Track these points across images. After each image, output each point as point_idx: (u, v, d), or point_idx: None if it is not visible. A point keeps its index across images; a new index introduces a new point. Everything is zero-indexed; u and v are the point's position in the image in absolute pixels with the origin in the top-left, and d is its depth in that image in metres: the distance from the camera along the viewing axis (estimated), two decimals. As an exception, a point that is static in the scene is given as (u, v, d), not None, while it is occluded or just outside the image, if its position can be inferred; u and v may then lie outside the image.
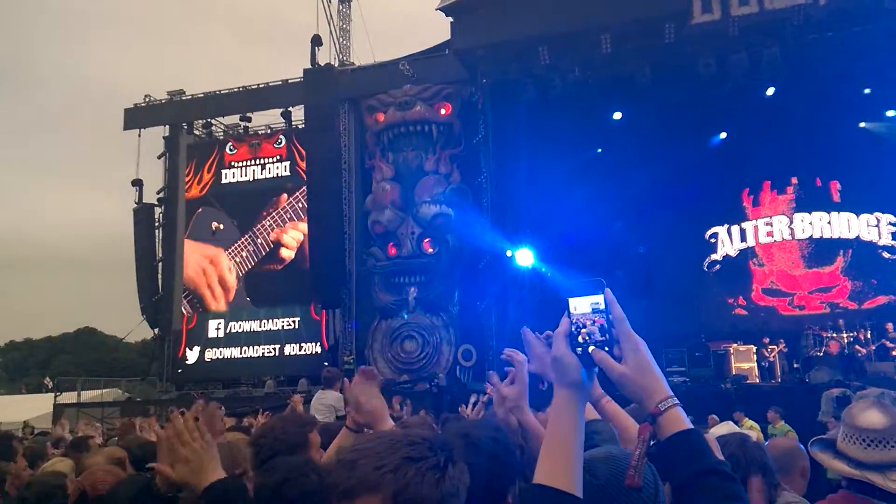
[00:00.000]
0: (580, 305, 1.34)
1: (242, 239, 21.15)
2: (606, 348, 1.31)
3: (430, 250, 17.75)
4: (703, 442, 1.26)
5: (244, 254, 21.07)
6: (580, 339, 1.32)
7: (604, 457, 1.35)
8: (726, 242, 19.82)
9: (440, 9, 17.19)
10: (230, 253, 21.17)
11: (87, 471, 3.16)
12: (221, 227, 21.33)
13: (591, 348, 1.31)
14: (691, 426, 1.27)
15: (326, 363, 17.22)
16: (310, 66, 19.57)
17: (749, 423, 10.39)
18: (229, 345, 20.67)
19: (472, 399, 5.95)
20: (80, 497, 2.80)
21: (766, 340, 16.54)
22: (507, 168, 18.56)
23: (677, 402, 1.28)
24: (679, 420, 1.26)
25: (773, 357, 16.24)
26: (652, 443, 1.27)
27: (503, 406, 2.09)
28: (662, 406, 1.26)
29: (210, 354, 20.85)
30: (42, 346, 50.07)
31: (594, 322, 1.32)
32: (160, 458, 1.88)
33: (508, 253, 18.47)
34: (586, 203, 19.17)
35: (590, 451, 1.56)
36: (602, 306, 1.33)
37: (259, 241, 21.03)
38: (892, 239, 18.64)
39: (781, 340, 16.61)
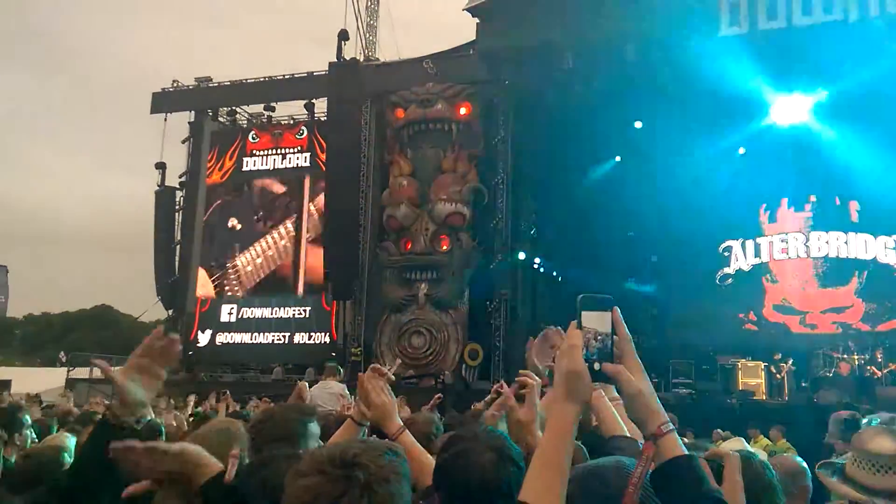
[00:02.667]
0: (589, 320, 1.32)
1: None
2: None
3: (444, 248, 17.85)
4: (700, 468, 1.28)
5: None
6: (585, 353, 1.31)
7: (615, 465, 1.35)
8: (740, 257, 19.71)
9: (467, 9, 17.28)
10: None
11: None
12: (239, 226, 21.64)
13: (605, 364, 1.30)
14: (687, 451, 1.29)
15: (333, 353, 17.40)
16: (335, 60, 19.76)
17: (764, 441, 10.18)
18: (240, 330, 20.95)
19: (491, 394, 5.97)
20: None
21: (778, 357, 16.38)
22: (524, 171, 18.62)
23: (673, 427, 1.30)
24: (677, 444, 1.28)
25: (784, 374, 16.11)
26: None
27: (515, 426, 2.13)
28: (664, 428, 1.27)
29: (221, 338, 21.14)
30: (59, 321, 50.89)
31: (598, 338, 1.31)
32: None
33: (521, 255, 18.55)
34: (601, 209, 19.19)
35: (600, 459, 1.55)
36: (609, 324, 1.32)
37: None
38: (910, 263, 18.43)
39: (790, 359, 16.49)
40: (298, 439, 2.44)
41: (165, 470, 1.61)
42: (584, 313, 1.33)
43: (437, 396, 6.38)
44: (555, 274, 20.45)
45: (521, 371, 2.31)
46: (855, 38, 14.71)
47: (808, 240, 19.23)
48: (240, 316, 21.06)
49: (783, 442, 9.98)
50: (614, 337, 1.32)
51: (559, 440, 1.26)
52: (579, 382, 1.27)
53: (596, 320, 1.32)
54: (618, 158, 19.28)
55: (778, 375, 16.04)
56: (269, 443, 2.37)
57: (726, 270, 19.75)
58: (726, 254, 19.76)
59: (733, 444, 4.06)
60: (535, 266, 19.81)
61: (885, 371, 15.76)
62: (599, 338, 1.31)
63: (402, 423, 2.22)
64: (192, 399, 9.01)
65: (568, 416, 1.27)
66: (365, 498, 1.23)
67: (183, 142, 22.92)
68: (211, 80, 22.99)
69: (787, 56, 15.56)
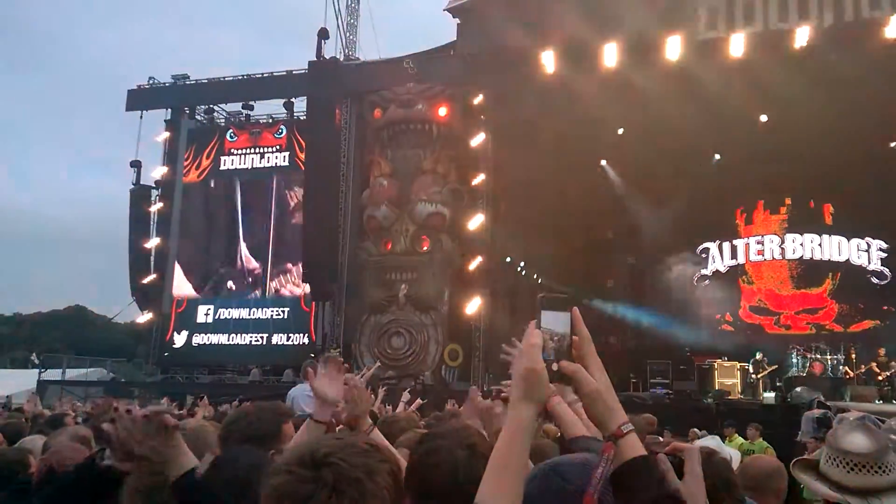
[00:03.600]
0: (547, 320, 1.30)
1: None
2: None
3: (424, 248, 17.81)
4: (658, 469, 1.28)
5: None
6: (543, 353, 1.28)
7: (580, 462, 1.32)
8: (717, 258, 19.95)
9: (447, 10, 17.28)
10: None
11: (53, 449, 3.14)
12: (216, 225, 21.44)
13: (562, 361, 1.27)
14: (645, 452, 1.28)
15: (312, 355, 17.27)
16: (315, 59, 19.63)
17: (739, 439, 10.29)
18: (217, 331, 20.70)
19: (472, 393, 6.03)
20: (47, 474, 2.75)
21: (761, 357, 16.58)
22: (504, 172, 18.66)
23: (632, 427, 1.28)
24: (637, 445, 1.26)
25: (761, 375, 16.30)
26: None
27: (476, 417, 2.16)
28: (624, 429, 1.25)
29: (198, 339, 20.87)
30: (31, 322, 49.96)
31: (554, 338, 1.28)
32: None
33: (501, 257, 18.57)
34: (582, 211, 19.31)
35: (565, 456, 1.54)
36: (568, 324, 1.30)
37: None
38: (882, 265, 18.78)
39: (766, 359, 16.70)
40: (272, 440, 2.38)
41: (143, 454, 1.65)
42: (543, 313, 1.30)
43: (417, 401, 6.40)
44: (535, 276, 20.51)
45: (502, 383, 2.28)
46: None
47: (783, 242, 19.52)
48: (217, 317, 20.81)
49: (760, 441, 10.08)
50: (573, 337, 1.30)
51: (514, 440, 1.22)
52: (537, 382, 1.24)
53: (554, 321, 1.30)
54: (603, 162, 19.37)
55: (755, 375, 16.24)
56: (241, 443, 2.33)
57: (704, 272, 19.98)
58: (704, 255, 19.99)
59: (707, 443, 4.08)
60: (518, 269, 19.87)
61: (857, 371, 16.03)
62: (556, 338, 1.28)
63: (371, 421, 2.21)
64: (164, 402, 8.86)
65: (524, 415, 1.23)
66: (333, 499, 1.17)
67: (159, 140, 22.61)
68: (188, 77, 22.72)
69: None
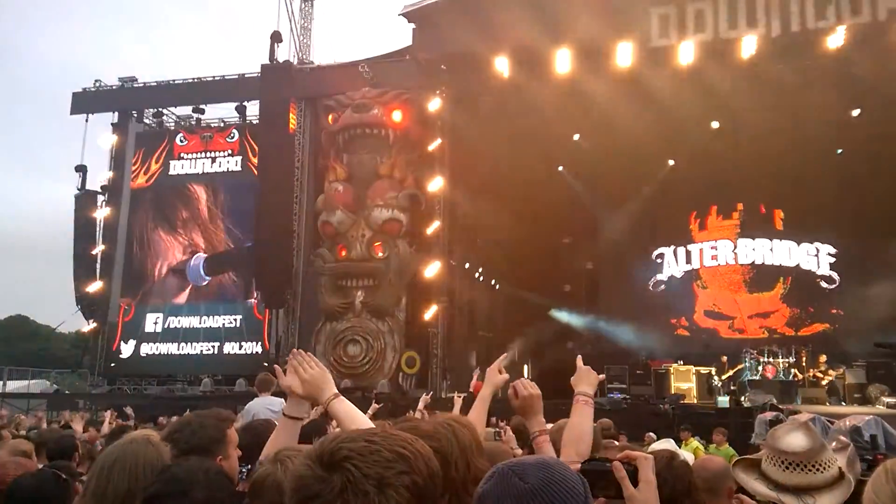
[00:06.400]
0: None
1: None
2: None
3: (380, 255, 17.54)
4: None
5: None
6: None
7: (535, 462, 1.29)
8: (672, 263, 20.18)
9: (402, 14, 17.13)
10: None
11: None
12: (164, 232, 20.79)
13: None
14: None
15: (266, 364, 16.79)
16: (268, 62, 19.23)
17: (694, 443, 10.26)
18: (166, 340, 20.02)
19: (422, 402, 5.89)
20: None
21: (725, 359, 16.78)
22: (461, 178, 18.54)
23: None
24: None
25: (727, 376, 16.49)
26: None
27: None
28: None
29: (146, 349, 20.16)
30: (-29, 334, 47.74)
31: None
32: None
33: (457, 263, 18.42)
34: (539, 217, 19.32)
35: (523, 457, 1.54)
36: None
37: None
38: (830, 269, 19.25)
39: (720, 361, 16.92)
40: (217, 447, 2.40)
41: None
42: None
43: (375, 405, 6.23)
44: (493, 282, 20.44)
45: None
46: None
47: (736, 247, 19.86)
48: (166, 325, 20.13)
49: (726, 447, 9.93)
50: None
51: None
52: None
53: None
54: (560, 168, 19.43)
55: (720, 378, 16.42)
56: (186, 453, 2.28)
57: (659, 277, 20.18)
58: (659, 260, 20.20)
59: (662, 446, 3.97)
60: (475, 275, 19.76)
61: (807, 374, 16.36)
62: None
63: (336, 391, 2.07)
64: (107, 415, 8.46)
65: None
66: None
67: (105, 144, 21.85)
68: (136, 80, 22.04)
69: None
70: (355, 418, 1.98)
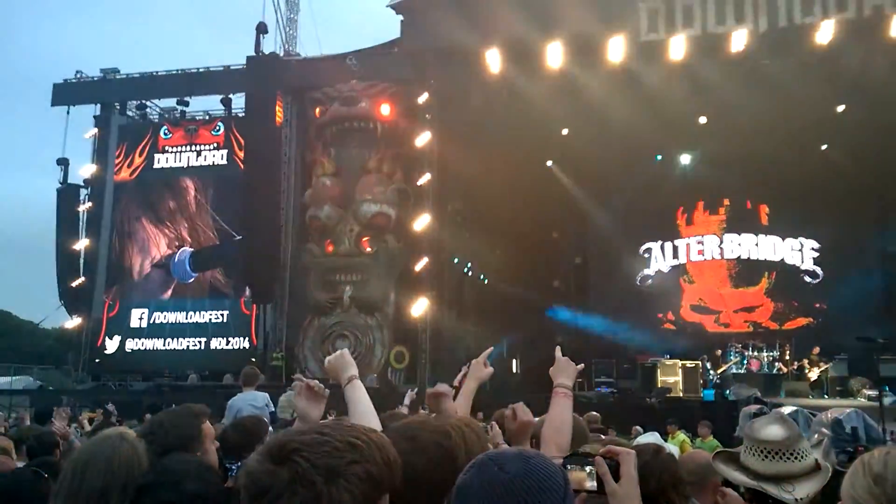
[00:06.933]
0: None
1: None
2: None
3: (369, 249, 17.47)
4: None
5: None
6: None
7: (515, 453, 1.31)
8: (659, 258, 20.27)
9: (390, 6, 16.99)
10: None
11: None
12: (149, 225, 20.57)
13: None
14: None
15: (253, 359, 16.69)
16: (253, 54, 19.05)
17: (681, 436, 10.35)
18: (152, 336, 19.83)
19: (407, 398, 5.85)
20: None
21: (719, 353, 16.88)
22: (451, 172, 18.47)
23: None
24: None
25: (723, 370, 16.59)
26: None
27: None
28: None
29: (131, 345, 19.96)
30: (-49, 329, 47.09)
31: None
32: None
33: (447, 257, 18.38)
34: (528, 211, 19.31)
35: (503, 448, 1.56)
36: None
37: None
38: (814, 264, 19.41)
39: (706, 356, 17.03)
40: (193, 443, 2.43)
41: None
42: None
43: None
44: (482, 277, 20.42)
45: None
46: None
47: (722, 242, 19.97)
48: (151, 321, 19.94)
49: (711, 439, 10.05)
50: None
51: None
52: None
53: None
54: (549, 163, 19.41)
55: (715, 372, 16.52)
56: (163, 452, 2.28)
57: (646, 271, 20.26)
58: (646, 255, 20.27)
59: (647, 440, 3.98)
60: (464, 269, 19.72)
61: (791, 367, 16.51)
62: None
63: (354, 373, 2.11)
64: (85, 416, 8.39)
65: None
66: (284, 498, 1.11)
67: (87, 137, 21.57)
68: (118, 71, 21.74)
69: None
70: (358, 407, 2.02)
